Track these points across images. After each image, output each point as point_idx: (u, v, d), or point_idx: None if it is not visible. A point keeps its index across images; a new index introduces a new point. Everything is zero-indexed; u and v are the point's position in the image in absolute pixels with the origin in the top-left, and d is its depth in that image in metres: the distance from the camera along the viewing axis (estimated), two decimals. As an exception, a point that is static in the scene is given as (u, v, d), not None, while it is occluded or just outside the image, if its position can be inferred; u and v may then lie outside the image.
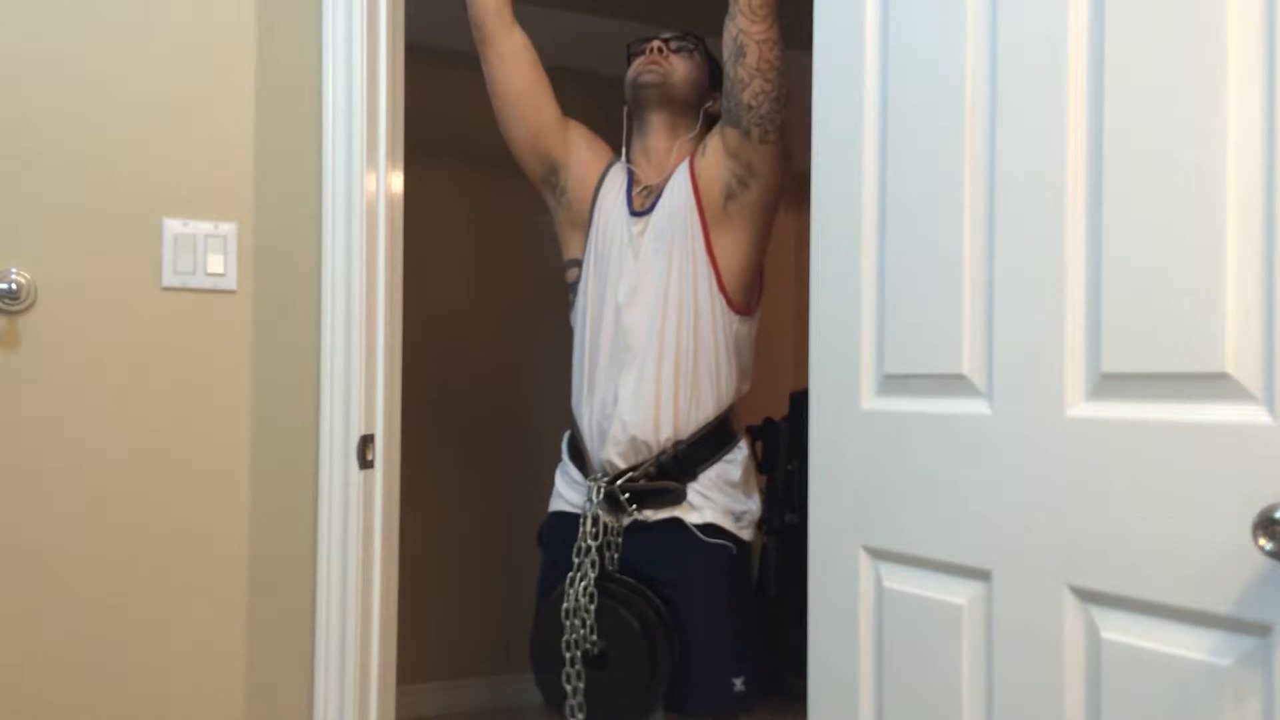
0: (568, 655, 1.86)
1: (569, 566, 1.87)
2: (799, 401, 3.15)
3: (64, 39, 1.60)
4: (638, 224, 1.92)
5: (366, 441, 1.74)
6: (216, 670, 1.67)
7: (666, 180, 1.92)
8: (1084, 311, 1.01)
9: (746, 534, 1.91)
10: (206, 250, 1.67)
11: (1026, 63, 1.07)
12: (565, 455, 2.02)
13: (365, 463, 1.73)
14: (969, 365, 1.14)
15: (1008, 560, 1.08)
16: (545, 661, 1.91)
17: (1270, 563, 0.84)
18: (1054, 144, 1.03)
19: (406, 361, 1.89)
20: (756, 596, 1.99)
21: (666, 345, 1.85)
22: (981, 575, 1.11)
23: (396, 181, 1.84)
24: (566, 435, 2.02)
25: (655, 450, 1.85)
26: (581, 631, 1.84)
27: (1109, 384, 0.98)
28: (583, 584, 1.84)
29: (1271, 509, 0.82)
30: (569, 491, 1.97)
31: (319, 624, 1.71)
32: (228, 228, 1.68)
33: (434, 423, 3.18)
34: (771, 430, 3.22)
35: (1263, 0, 0.87)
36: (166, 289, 1.65)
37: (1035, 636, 1.04)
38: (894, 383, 1.26)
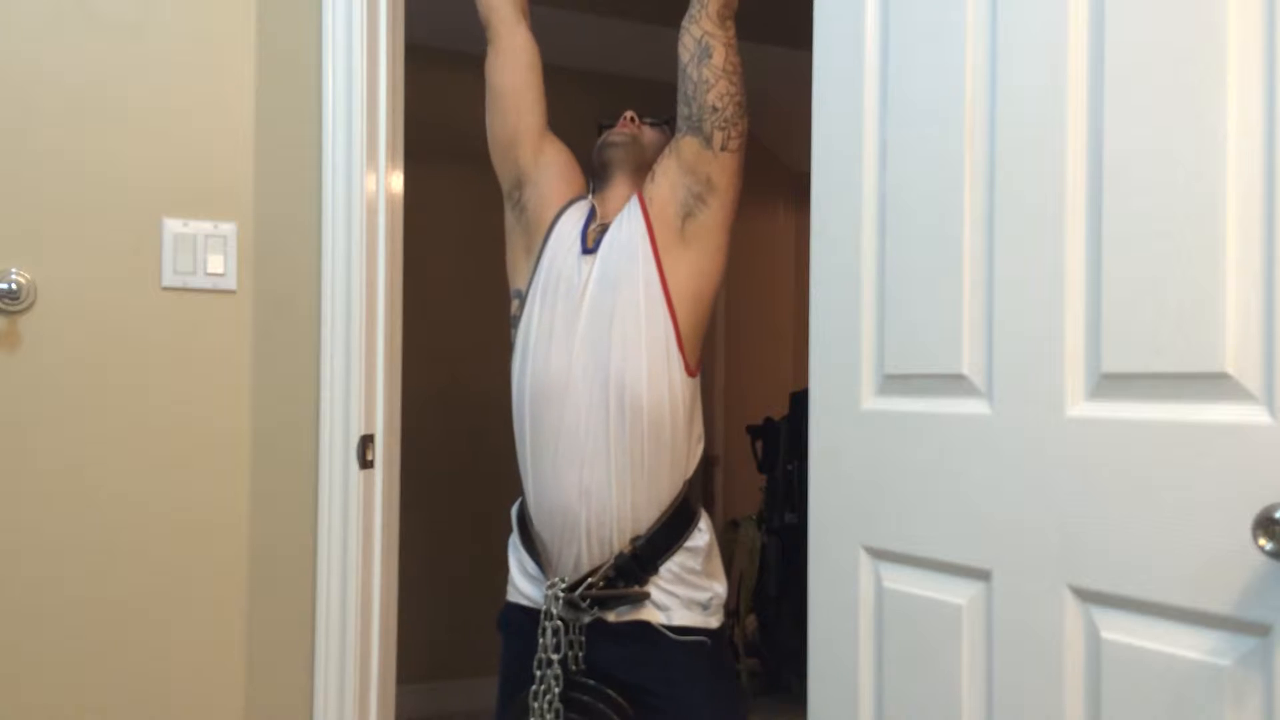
0: None
1: (531, 658, 1.76)
2: (799, 401, 3.15)
3: (64, 39, 1.60)
4: (586, 264, 1.78)
5: (366, 441, 1.74)
6: (216, 670, 1.67)
7: (617, 214, 1.82)
8: (1084, 311, 1.01)
9: (715, 620, 1.78)
10: (206, 250, 1.67)
11: (1026, 62, 1.07)
12: (515, 534, 1.89)
13: (365, 463, 1.73)
14: (969, 365, 1.14)
15: (1008, 560, 1.08)
16: None
17: (1270, 563, 0.84)
18: (1054, 144, 1.04)
19: (406, 361, 1.89)
20: (734, 687, 1.90)
21: (619, 437, 1.72)
22: (981, 575, 1.11)
23: (396, 181, 1.84)
24: (515, 507, 1.88)
25: (614, 549, 1.72)
26: None
27: (1109, 384, 0.98)
28: (546, 698, 1.75)
29: (1271, 509, 0.82)
30: (525, 584, 1.84)
31: (319, 624, 1.71)
32: (228, 228, 1.68)
33: (434, 423, 3.18)
34: (771, 430, 3.23)
35: (1263, 0, 0.87)
36: (166, 289, 1.65)
37: (1035, 636, 1.04)
38: (894, 383, 1.26)
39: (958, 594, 1.15)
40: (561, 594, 1.74)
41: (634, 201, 1.79)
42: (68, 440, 1.60)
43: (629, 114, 1.91)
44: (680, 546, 1.75)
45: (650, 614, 1.74)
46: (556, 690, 1.74)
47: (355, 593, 1.72)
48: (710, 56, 1.71)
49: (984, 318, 1.12)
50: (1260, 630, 0.85)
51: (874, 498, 1.27)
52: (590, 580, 1.73)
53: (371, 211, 1.76)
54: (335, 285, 1.72)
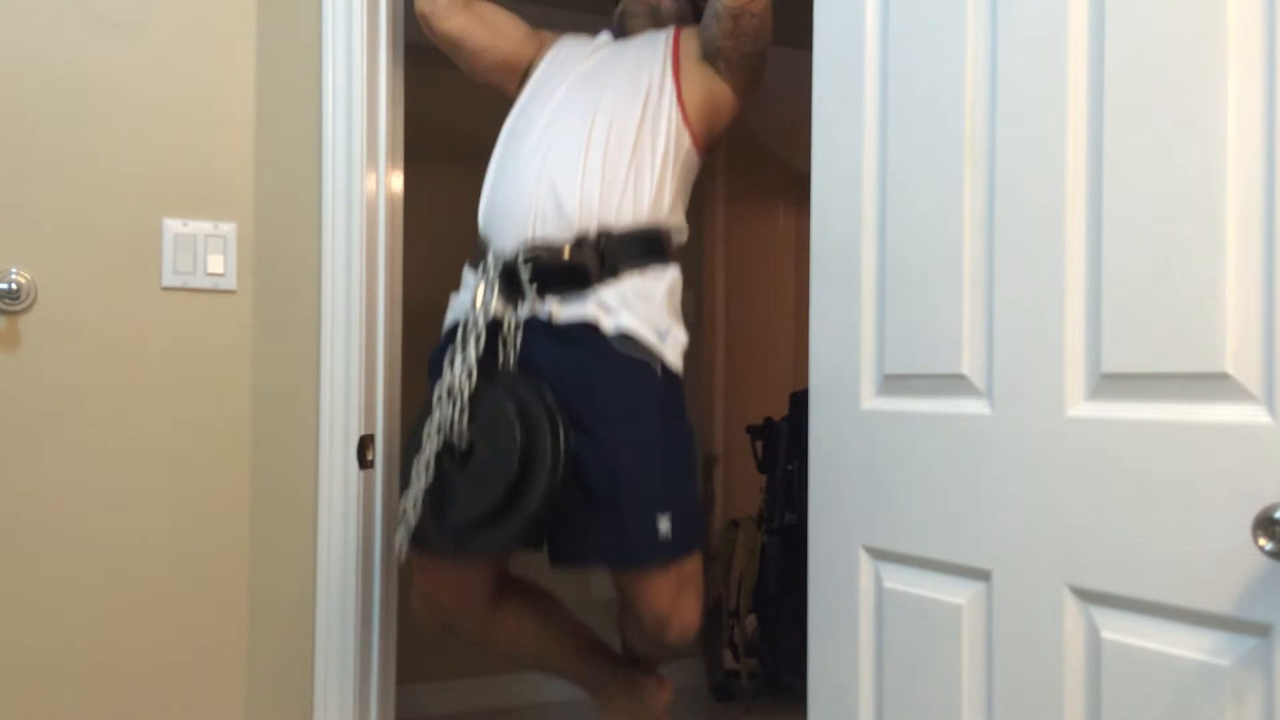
0: (427, 445, 1.59)
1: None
2: (799, 401, 3.15)
3: (64, 39, 1.60)
4: (602, 45, 1.88)
5: (366, 441, 1.74)
6: (216, 670, 1.67)
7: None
8: (1084, 311, 1.01)
9: (673, 358, 1.68)
10: (206, 250, 1.67)
11: (1026, 62, 1.07)
12: (466, 271, 1.79)
13: (365, 463, 1.73)
14: (969, 365, 1.14)
15: (1008, 560, 1.08)
16: (409, 477, 1.65)
17: (1270, 563, 0.84)
18: (1054, 143, 1.04)
19: (406, 361, 1.89)
20: (688, 435, 1.75)
21: (605, 120, 1.68)
22: (981, 575, 1.11)
23: (396, 181, 1.84)
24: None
25: (575, 230, 1.63)
26: (451, 414, 1.58)
27: (1109, 384, 0.98)
28: (462, 359, 1.59)
29: (1271, 509, 0.82)
30: (464, 296, 1.73)
31: (319, 624, 1.71)
32: (228, 228, 1.68)
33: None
34: (771, 430, 3.23)
35: (1263, 0, 0.87)
36: (166, 289, 1.65)
37: (1035, 636, 1.04)
38: (894, 383, 1.26)
39: (958, 594, 1.15)
40: (505, 260, 1.64)
41: (668, 31, 1.88)
42: (67, 440, 1.60)
43: None
44: (646, 271, 1.67)
45: (597, 315, 1.63)
46: (476, 352, 1.59)
47: (355, 593, 1.72)
48: None
49: (984, 318, 1.12)
50: (1260, 630, 0.85)
51: (874, 498, 1.27)
52: (539, 248, 1.63)
53: (371, 211, 1.76)
54: (335, 285, 1.72)
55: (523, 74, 1.95)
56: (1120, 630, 0.97)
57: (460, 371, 1.59)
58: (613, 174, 1.67)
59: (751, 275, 3.57)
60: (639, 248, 1.68)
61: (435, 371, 1.74)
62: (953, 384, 1.16)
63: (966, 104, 1.15)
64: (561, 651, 1.89)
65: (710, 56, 1.82)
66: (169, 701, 1.65)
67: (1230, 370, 0.88)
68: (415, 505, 1.60)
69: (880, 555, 1.27)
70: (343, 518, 1.72)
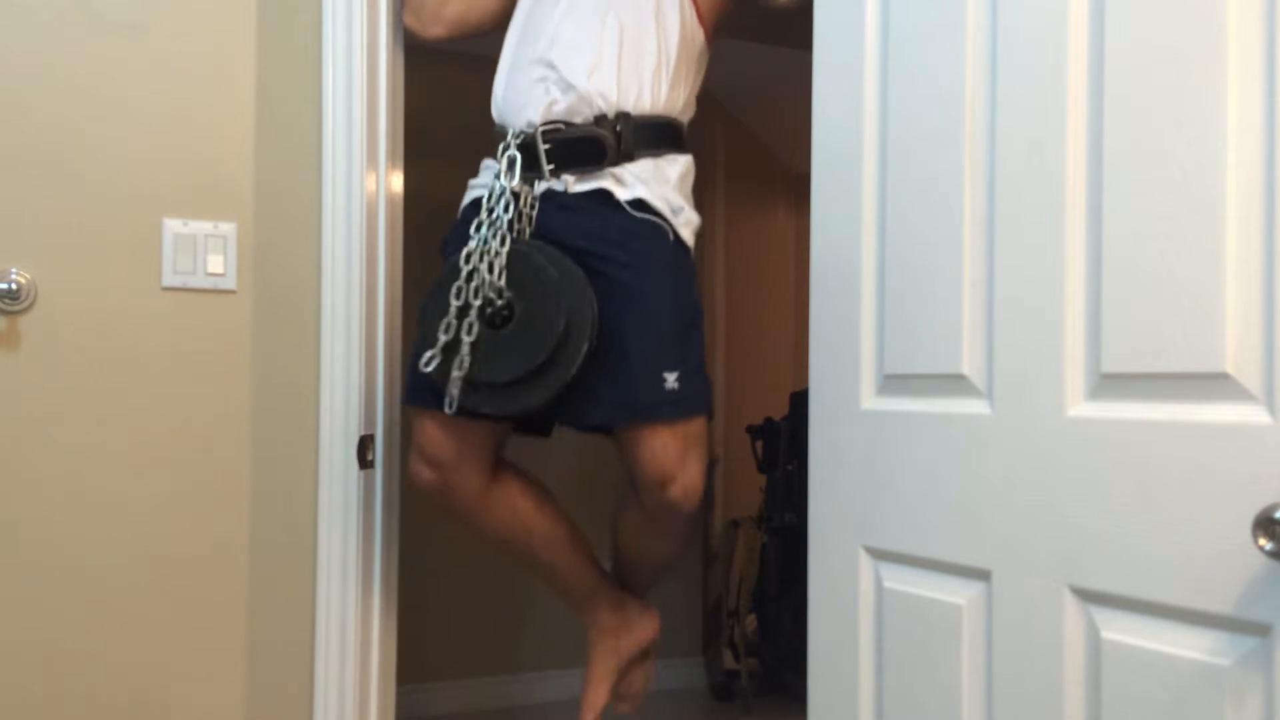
0: (455, 304, 1.60)
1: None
2: (799, 401, 3.15)
3: (64, 39, 1.60)
4: None
5: (366, 441, 1.74)
6: (216, 670, 1.67)
7: None
8: (1084, 311, 1.01)
9: (685, 234, 1.73)
10: (206, 250, 1.67)
11: (1026, 62, 1.07)
12: (484, 163, 1.82)
13: (365, 463, 1.73)
14: (969, 365, 1.14)
15: (1008, 560, 1.08)
16: (431, 332, 1.64)
17: (1270, 563, 0.84)
18: (1054, 143, 1.04)
19: (406, 361, 1.89)
20: (698, 303, 1.79)
21: (617, 17, 1.70)
22: (981, 575, 1.11)
23: (396, 181, 1.84)
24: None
25: (593, 111, 1.67)
26: (485, 276, 1.60)
27: (1109, 384, 0.98)
28: (492, 229, 1.61)
29: (1271, 509, 0.82)
30: (483, 179, 1.76)
31: (319, 624, 1.71)
32: (228, 228, 1.68)
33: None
34: (771, 430, 3.23)
35: (1263, 0, 0.87)
36: (166, 289, 1.65)
37: (1035, 636, 1.04)
38: (894, 383, 1.26)
39: (958, 594, 1.15)
40: (524, 134, 1.67)
41: None
42: (67, 440, 1.60)
43: None
44: (661, 153, 1.71)
45: (612, 186, 1.68)
46: (506, 217, 1.62)
47: (355, 593, 1.72)
48: None
49: (984, 317, 1.12)
50: (1260, 630, 0.85)
51: (874, 498, 1.27)
52: (557, 122, 1.67)
53: (371, 211, 1.76)
54: (335, 285, 1.72)
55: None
56: (1120, 630, 0.97)
57: (493, 235, 1.62)
58: (630, 66, 1.70)
59: (751, 275, 3.57)
60: (654, 133, 1.71)
61: (449, 250, 1.76)
62: (953, 384, 1.16)
63: (966, 103, 1.15)
64: (554, 545, 1.87)
65: None
66: (169, 701, 1.65)
67: (1230, 370, 0.88)
68: (436, 359, 1.61)
69: (880, 555, 1.27)
70: (343, 518, 1.72)
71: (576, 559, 1.90)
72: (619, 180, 1.68)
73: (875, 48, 1.29)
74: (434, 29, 1.90)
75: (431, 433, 1.73)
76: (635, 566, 2.00)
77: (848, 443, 1.31)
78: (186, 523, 1.66)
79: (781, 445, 3.20)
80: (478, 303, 1.60)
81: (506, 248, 1.61)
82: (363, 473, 1.73)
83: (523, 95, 1.73)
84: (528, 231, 1.66)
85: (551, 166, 1.67)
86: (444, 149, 2.69)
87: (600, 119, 1.68)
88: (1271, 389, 0.85)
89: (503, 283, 1.60)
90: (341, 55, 1.73)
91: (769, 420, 3.27)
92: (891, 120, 1.26)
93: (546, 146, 1.67)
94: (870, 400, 1.29)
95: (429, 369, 1.61)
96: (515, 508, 1.83)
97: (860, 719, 1.29)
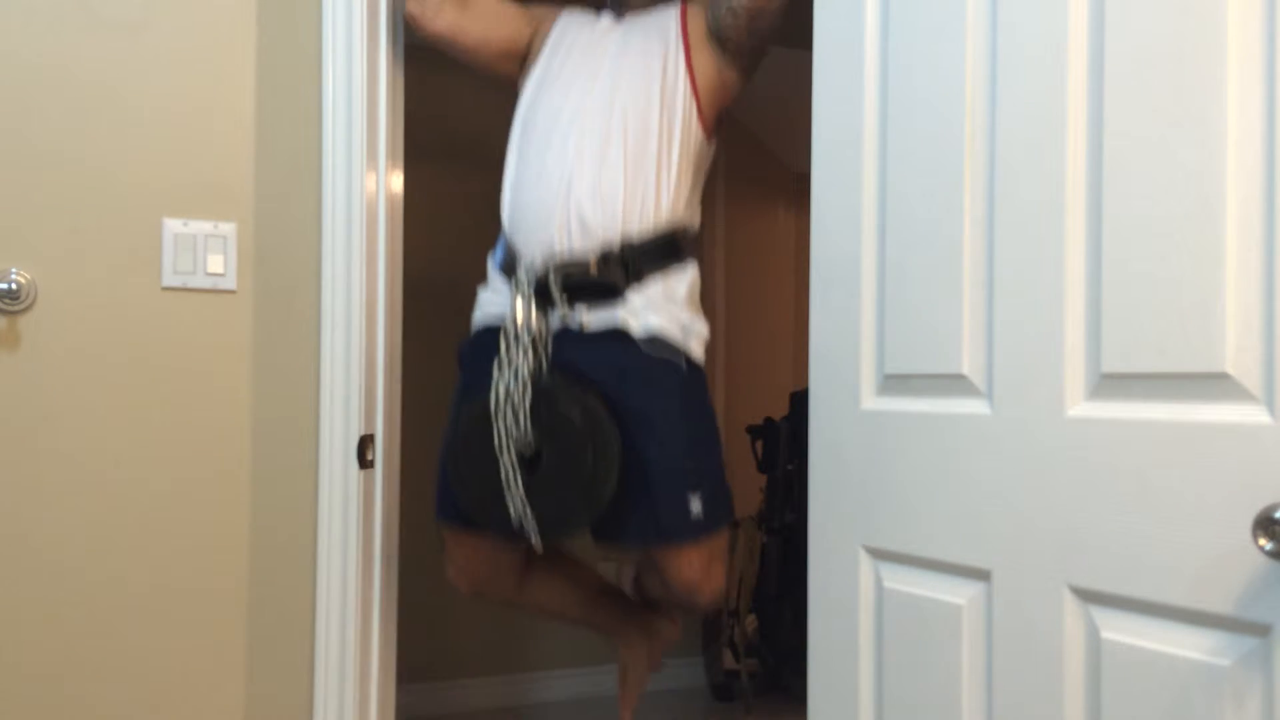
0: (503, 459, 1.70)
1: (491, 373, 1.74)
2: (799, 401, 3.15)
3: (64, 39, 1.60)
4: (608, 28, 1.90)
5: (366, 441, 1.74)
6: (216, 670, 1.67)
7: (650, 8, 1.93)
8: (1084, 311, 1.01)
9: (696, 350, 1.81)
10: (206, 250, 1.67)
11: (1026, 63, 1.07)
12: (493, 270, 1.88)
13: (365, 463, 1.73)
14: (969, 365, 1.14)
15: (1008, 560, 1.08)
16: (465, 476, 1.78)
17: (1270, 563, 0.84)
18: (1054, 144, 1.03)
19: (406, 361, 1.89)
20: (712, 419, 1.89)
21: (622, 118, 1.75)
22: (981, 575, 1.11)
23: (396, 181, 1.84)
24: (493, 252, 1.89)
25: (601, 240, 1.73)
26: (514, 431, 1.69)
27: (1109, 384, 0.98)
28: (512, 373, 1.69)
29: (1271, 509, 0.82)
30: (497, 301, 1.84)
31: (319, 624, 1.71)
32: (228, 228, 1.68)
33: (434, 423, 3.18)
34: (771, 430, 3.23)
35: (1263, 0, 0.87)
36: (166, 289, 1.65)
37: (1035, 636, 1.04)
38: (894, 383, 1.26)
39: (958, 594, 1.15)
40: (538, 274, 1.74)
41: (675, 6, 1.90)
42: (67, 440, 1.60)
43: None
44: (669, 270, 1.78)
45: (626, 320, 1.75)
46: (525, 363, 1.70)
47: (355, 593, 1.72)
48: None
49: (984, 318, 1.12)
50: (1260, 630, 0.85)
51: (874, 498, 1.27)
52: (570, 268, 1.74)
53: (371, 211, 1.76)
54: (335, 285, 1.72)
55: (524, 55, 1.96)
56: (1120, 630, 0.97)
57: (513, 384, 1.71)
58: (634, 178, 1.76)
59: (751, 275, 3.57)
60: (660, 252, 1.79)
61: (465, 363, 1.89)
62: (953, 384, 1.16)
63: (966, 103, 1.14)
64: (584, 604, 2.06)
65: (718, 41, 1.85)
66: (168, 701, 1.65)
67: (1230, 370, 0.88)
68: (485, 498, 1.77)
69: (880, 555, 1.27)
70: (343, 518, 1.72)
71: (605, 608, 2.09)
72: (631, 312, 1.76)
73: (875, 48, 1.29)
74: (437, 23, 1.90)
75: (468, 554, 1.92)
76: (656, 598, 2.15)
77: (848, 443, 1.31)
78: (185, 522, 1.66)
79: (781, 445, 3.20)
80: (511, 455, 1.72)
81: (529, 396, 1.70)
82: (363, 473, 1.73)
83: (534, 221, 1.79)
84: (545, 363, 1.74)
85: (566, 298, 1.76)
86: (444, 149, 2.69)
87: (608, 253, 1.74)
88: (1271, 389, 0.85)
89: (530, 436, 1.71)
90: (341, 55, 1.72)
91: (769, 420, 3.27)
92: (891, 120, 1.26)
93: (561, 287, 1.75)
94: (870, 400, 1.29)
95: (496, 529, 1.78)
96: (547, 590, 2.02)
97: (860, 719, 1.29)
